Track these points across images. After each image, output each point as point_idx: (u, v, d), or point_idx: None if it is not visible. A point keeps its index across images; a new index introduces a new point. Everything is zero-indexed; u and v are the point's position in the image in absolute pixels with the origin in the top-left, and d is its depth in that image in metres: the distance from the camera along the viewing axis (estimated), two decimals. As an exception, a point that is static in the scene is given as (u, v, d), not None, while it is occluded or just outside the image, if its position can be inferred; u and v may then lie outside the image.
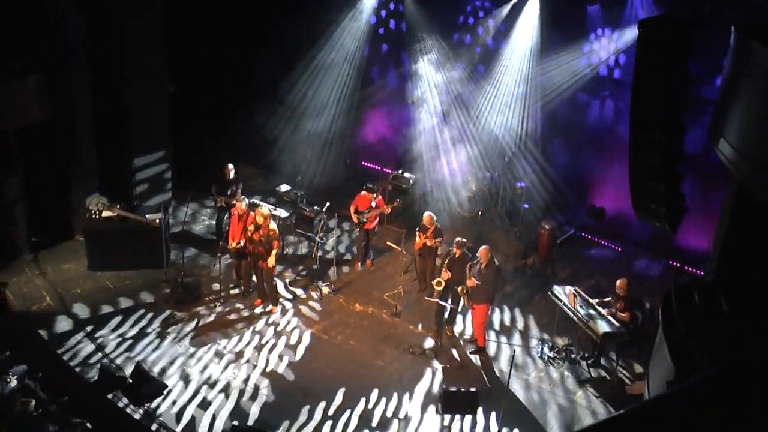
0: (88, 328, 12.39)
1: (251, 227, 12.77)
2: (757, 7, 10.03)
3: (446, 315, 12.61)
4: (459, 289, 12.23)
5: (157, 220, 14.05)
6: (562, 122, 16.12)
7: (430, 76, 17.23)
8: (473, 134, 16.99)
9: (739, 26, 8.25)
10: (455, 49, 17.11)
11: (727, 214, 10.07)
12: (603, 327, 11.65)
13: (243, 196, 14.04)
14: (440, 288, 12.37)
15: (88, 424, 9.39)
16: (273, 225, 12.87)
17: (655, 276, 14.93)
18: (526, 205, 16.30)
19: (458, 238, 12.63)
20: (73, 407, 9.66)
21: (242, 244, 13.02)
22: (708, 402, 3.54)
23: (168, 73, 15.56)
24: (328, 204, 14.69)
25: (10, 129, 13.34)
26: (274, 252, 12.78)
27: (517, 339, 12.90)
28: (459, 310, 12.88)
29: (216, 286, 13.68)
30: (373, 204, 14.44)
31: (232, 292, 13.73)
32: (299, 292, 13.96)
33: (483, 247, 12.13)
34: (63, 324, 12.44)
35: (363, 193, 14.53)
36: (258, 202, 14.96)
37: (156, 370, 11.39)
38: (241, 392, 11.19)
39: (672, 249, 14.89)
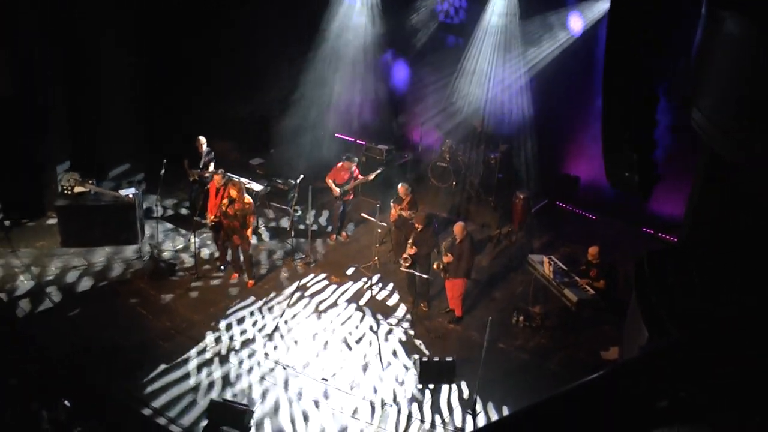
0: (63, 306, 12.31)
1: (225, 201, 12.69)
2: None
3: (418, 285, 12.66)
4: (435, 265, 12.30)
5: (131, 195, 13.94)
6: (536, 92, 16.10)
7: (408, 47, 17.12)
8: (448, 105, 16.96)
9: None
10: (431, 19, 16.98)
11: (699, 181, 10.16)
12: (578, 294, 11.80)
13: (221, 170, 13.84)
14: (408, 264, 12.41)
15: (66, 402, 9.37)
16: (248, 198, 12.80)
17: (629, 243, 15.07)
18: (500, 175, 16.33)
19: (416, 212, 12.65)
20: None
21: (218, 218, 12.95)
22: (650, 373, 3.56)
23: (139, 46, 15.33)
24: (302, 176, 14.59)
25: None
26: (250, 227, 12.75)
27: (493, 308, 12.99)
28: (432, 280, 12.91)
29: (191, 261, 13.62)
30: (353, 174, 14.41)
31: (207, 266, 13.68)
32: (275, 265, 13.96)
33: (457, 224, 12.23)
34: (38, 303, 12.34)
35: (341, 164, 14.49)
36: (232, 176, 14.85)
37: (130, 346, 11.34)
38: (219, 367, 11.19)
39: (646, 216, 15.04)
